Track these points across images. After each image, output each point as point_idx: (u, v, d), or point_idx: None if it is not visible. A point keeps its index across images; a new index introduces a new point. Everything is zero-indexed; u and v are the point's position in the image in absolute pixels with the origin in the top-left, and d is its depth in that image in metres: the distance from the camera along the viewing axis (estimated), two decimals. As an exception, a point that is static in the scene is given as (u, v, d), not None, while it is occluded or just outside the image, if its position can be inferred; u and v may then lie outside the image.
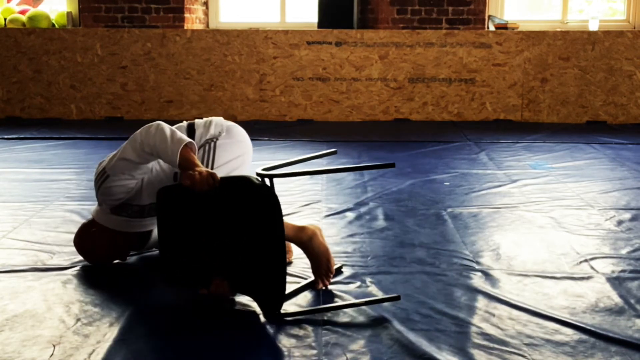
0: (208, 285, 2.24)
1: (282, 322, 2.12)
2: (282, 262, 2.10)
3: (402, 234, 2.97)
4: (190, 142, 2.24)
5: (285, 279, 2.12)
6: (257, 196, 2.09)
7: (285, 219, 2.24)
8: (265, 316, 2.16)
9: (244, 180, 2.14)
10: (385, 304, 2.24)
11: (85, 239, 2.53)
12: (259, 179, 2.14)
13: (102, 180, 2.40)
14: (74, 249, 2.75)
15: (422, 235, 2.95)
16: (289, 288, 2.32)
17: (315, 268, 2.36)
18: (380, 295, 2.32)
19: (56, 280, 2.45)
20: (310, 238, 2.35)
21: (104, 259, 2.55)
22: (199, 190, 2.09)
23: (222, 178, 2.13)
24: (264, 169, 2.23)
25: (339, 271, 2.51)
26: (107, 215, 2.47)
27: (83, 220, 3.12)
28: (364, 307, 2.21)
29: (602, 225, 3.09)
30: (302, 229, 2.36)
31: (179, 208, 2.22)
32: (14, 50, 5.87)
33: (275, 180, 2.19)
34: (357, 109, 5.88)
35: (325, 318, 2.15)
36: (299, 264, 2.57)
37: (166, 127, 2.30)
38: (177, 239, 2.25)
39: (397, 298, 2.23)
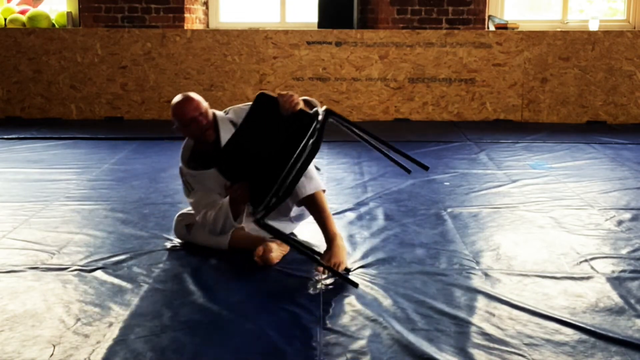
0: (235, 183, 2.54)
1: (282, 319, 2.13)
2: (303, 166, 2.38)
3: (402, 234, 2.97)
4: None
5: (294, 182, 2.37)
6: (309, 121, 2.48)
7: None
8: (252, 204, 2.48)
9: (310, 113, 2.52)
10: (385, 304, 2.24)
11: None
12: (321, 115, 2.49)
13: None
14: (74, 248, 2.76)
15: (422, 235, 2.95)
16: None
17: (327, 257, 2.51)
18: (380, 293, 2.32)
19: (56, 280, 2.45)
20: (338, 235, 2.62)
21: None
22: (284, 106, 2.50)
23: (300, 109, 2.51)
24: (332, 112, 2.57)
25: (347, 270, 2.53)
26: None
27: (83, 220, 3.13)
28: (363, 308, 2.21)
29: (602, 225, 3.09)
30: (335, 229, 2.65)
31: (264, 114, 2.57)
32: (14, 50, 5.87)
33: None
34: (357, 109, 5.88)
35: (326, 318, 2.15)
36: (301, 264, 2.58)
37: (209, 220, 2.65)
38: (246, 137, 2.57)
39: (356, 285, 2.40)
